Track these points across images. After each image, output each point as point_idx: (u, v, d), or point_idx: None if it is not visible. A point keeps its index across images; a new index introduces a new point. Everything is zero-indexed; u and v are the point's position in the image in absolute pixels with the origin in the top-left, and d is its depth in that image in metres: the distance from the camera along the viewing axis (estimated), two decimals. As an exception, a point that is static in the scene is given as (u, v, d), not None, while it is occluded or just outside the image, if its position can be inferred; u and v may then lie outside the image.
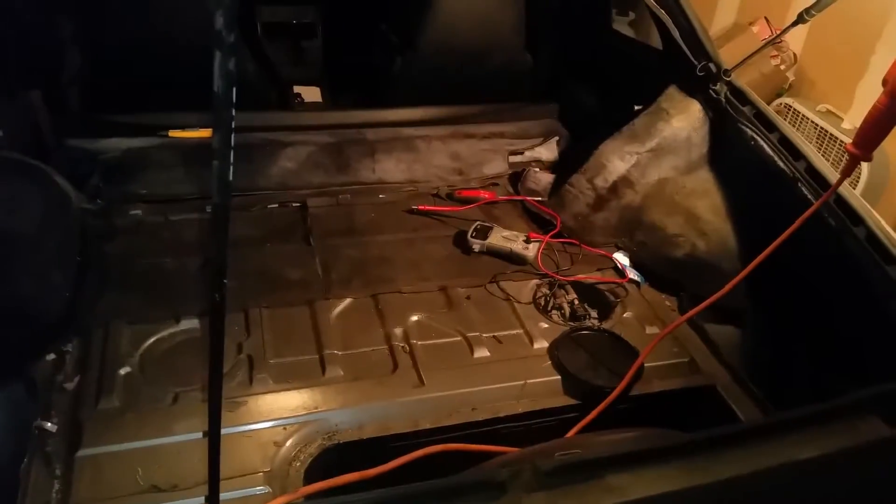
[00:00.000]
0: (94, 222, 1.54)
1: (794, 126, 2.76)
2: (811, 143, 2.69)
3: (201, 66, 1.76)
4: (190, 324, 1.33)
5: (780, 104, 2.84)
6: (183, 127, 1.79)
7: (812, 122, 2.73)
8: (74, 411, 1.15)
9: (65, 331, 1.28)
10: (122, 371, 1.22)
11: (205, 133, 1.79)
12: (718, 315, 1.46)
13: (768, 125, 1.43)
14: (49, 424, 1.12)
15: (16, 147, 1.53)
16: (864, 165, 2.41)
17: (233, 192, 1.69)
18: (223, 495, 1.04)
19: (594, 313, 1.49)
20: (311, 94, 2.18)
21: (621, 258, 1.60)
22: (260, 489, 1.06)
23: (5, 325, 1.19)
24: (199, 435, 1.12)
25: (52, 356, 1.25)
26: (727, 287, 1.31)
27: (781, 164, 1.39)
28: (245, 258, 1.50)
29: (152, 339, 1.29)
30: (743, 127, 1.47)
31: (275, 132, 1.82)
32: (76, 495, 1.01)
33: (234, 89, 0.54)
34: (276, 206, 1.68)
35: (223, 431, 1.13)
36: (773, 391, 1.32)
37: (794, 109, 2.80)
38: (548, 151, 1.91)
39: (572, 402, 1.28)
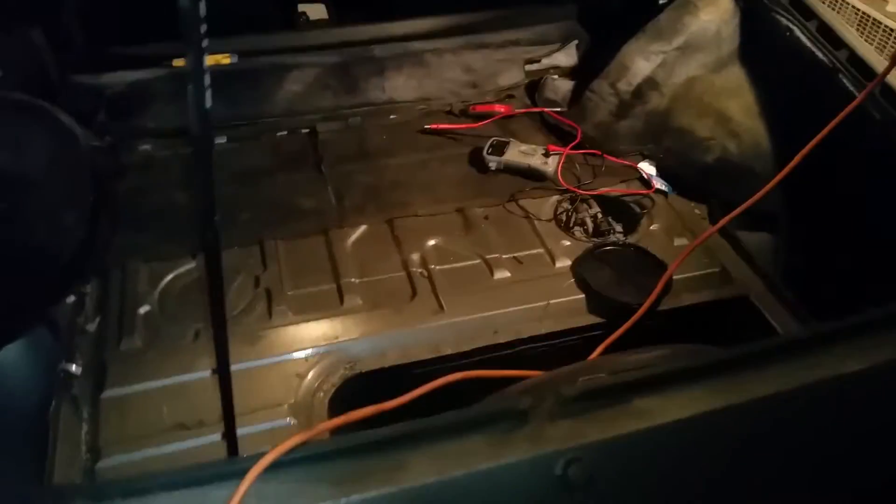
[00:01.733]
0: (103, 160, 1.51)
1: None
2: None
3: None
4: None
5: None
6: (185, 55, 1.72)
7: (852, 6, 2.54)
8: (97, 352, 1.15)
9: (82, 272, 1.27)
10: (142, 310, 1.21)
11: (208, 61, 1.72)
12: (750, 221, 1.38)
13: (805, 12, 1.32)
14: (74, 367, 1.12)
15: (18, 86, 1.49)
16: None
17: (240, 121, 1.64)
18: (249, 429, 1.04)
19: (619, 227, 1.43)
20: (316, 11, 2.07)
21: (647, 167, 1.52)
22: (285, 421, 1.06)
23: (21, 270, 1.18)
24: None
25: (72, 298, 1.24)
26: (762, 191, 1.24)
27: (820, 55, 1.28)
28: (257, 189, 1.47)
29: (170, 277, 1.28)
30: (777, 16, 1.36)
31: (280, 55, 1.74)
32: (104, 436, 1.02)
33: (201, 3, 0.49)
34: (285, 133, 1.62)
35: (245, 365, 1.14)
36: (810, 300, 1.26)
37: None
38: (566, 57, 1.80)
39: (598, 320, 1.24)
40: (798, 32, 1.32)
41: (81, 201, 1.33)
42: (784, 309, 1.27)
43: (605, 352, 1.14)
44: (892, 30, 1.49)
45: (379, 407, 1.02)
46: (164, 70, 1.68)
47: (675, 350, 0.99)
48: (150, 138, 1.58)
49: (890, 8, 2.43)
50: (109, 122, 1.58)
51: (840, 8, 2.55)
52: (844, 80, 1.23)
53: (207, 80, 0.51)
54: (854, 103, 1.11)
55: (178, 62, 1.72)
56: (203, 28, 0.49)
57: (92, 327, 1.19)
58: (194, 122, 0.52)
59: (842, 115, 1.11)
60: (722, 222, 1.27)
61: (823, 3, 2.12)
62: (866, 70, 1.22)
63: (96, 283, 1.26)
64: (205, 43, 0.49)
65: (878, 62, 1.21)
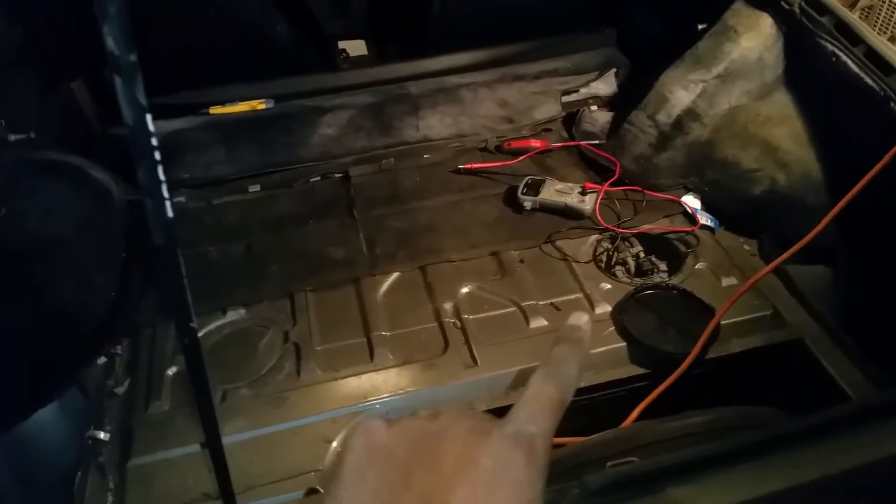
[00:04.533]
0: (139, 213, 1.51)
1: (890, 21, 2.44)
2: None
3: (237, 37, 1.68)
4: (236, 314, 1.30)
5: (875, -4, 2.51)
6: (223, 102, 1.74)
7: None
8: (126, 417, 1.14)
9: (113, 333, 1.28)
10: (171, 371, 1.20)
11: (244, 107, 1.74)
12: (804, 257, 1.29)
13: (852, 37, 1.23)
14: (102, 434, 1.12)
15: (56, 142, 1.52)
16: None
17: (273, 168, 1.64)
18: (274, 499, 1.02)
19: (663, 266, 1.36)
20: (356, 47, 2.07)
21: (691, 201, 1.45)
22: (312, 490, 1.03)
23: (51, 333, 1.19)
24: (247, 435, 1.10)
25: (102, 360, 1.25)
26: (819, 227, 1.16)
27: (870, 81, 1.19)
28: (288, 238, 1.45)
29: (200, 335, 1.26)
30: (822, 42, 1.27)
31: (314, 98, 1.74)
32: (129, 506, 1.01)
33: (148, 116, 0.46)
34: (318, 178, 1.61)
35: (271, 430, 1.11)
36: (870, 342, 1.17)
37: (890, 1, 2.46)
38: (605, 85, 1.74)
39: (641, 371, 1.18)
40: (844, 57, 1.23)
41: (113, 260, 1.34)
42: (842, 353, 1.17)
43: (646, 409, 1.08)
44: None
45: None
46: (200, 118, 1.70)
47: (720, 415, 0.92)
48: (184, 189, 1.58)
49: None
50: (145, 175, 1.59)
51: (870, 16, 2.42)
52: (897, 108, 1.15)
53: (165, 191, 0.48)
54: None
55: (216, 109, 1.74)
56: (153, 140, 0.46)
57: (121, 390, 1.19)
58: (156, 234, 0.50)
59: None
60: (774, 263, 1.20)
61: (879, 14, 2.00)
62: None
63: (127, 343, 1.26)
64: (157, 155, 0.47)
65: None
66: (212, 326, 1.28)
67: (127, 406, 1.16)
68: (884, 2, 2.55)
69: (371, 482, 0.36)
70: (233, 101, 1.73)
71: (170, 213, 0.51)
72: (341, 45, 2.01)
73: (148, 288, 1.36)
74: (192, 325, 0.62)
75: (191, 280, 1.46)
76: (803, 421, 0.74)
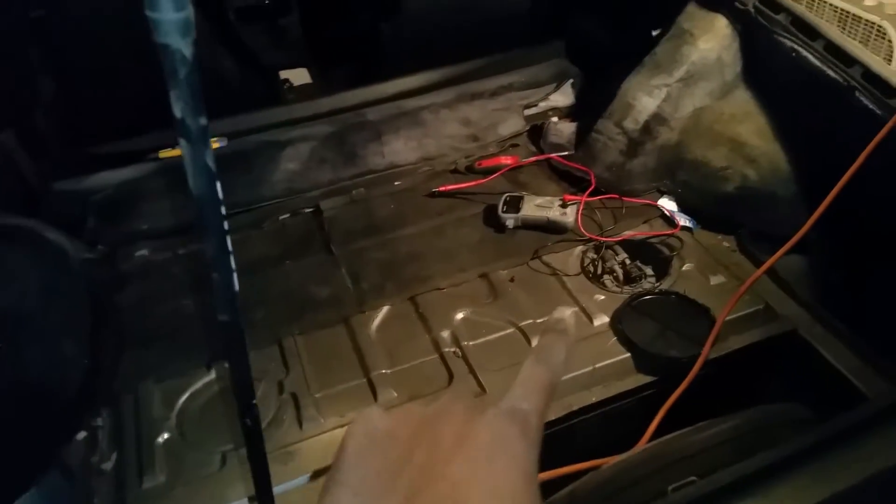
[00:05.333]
0: (98, 272, 1.42)
1: (836, 12, 2.55)
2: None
3: None
4: (222, 369, 1.22)
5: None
6: (173, 145, 1.66)
7: (829, 2, 2.52)
8: (118, 495, 1.06)
9: (91, 403, 1.18)
10: (161, 438, 1.12)
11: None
12: (779, 246, 1.33)
13: (810, 32, 1.27)
14: (92, 517, 1.04)
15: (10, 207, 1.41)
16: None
17: (238, 208, 1.56)
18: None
19: (649, 270, 1.37)
20: (299, 76, 2.03)
21: (667, 203, 1.47)
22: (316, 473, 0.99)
23: (23, 412, 1.09)
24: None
25: (82, 434, 1.15)
26: (805, 227, 1.19)
27: (832, 74, 1.24)
28: (267, 281, 1.39)
29: (186, 395, 1.19)
30: (779, 38, 1.31)
31: (270, 132, 1.69)
32: None
33: (218, 184, 0.42)
34: (288, 215, 1.55)
35: (282, 488, 1.05)
36: (855, 322, 1.20)
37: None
38: (563, 97, 1.75)
39: (649, 379, 1.17)
40: (804, 52, 1.27)
41: (80, 325, 1.25)
42: (835, 338, 1.20)
43: (661, 424, 1.08)
44: (872, 24, 1.44)
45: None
46: (150, 165, 1.62)
47: (747, 417, 0.92)
48: (145, 241, 1.49)
49: (868, 1, 2.42)
50: (100, 229, 1.50)
51: (816, 4, 2.54)
52: (862, 98, 1.18)
53: (233, 263, 0.44)
54: (888, 126, 1.06)
55: (165, 153, 1.66)
56: (223, 210, 0.42)
57: (108, 466, 1.10)
58: (222, 309, 0.45)
59: (880, 134, 1.06)
60: (767, 264, 1.22)
61: (823, 19, 2.08)
62: (884, 86, 1.17)
63: (108, 413, 1.17)
64: (226, 225, 0.43)
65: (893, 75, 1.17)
66: (198, 385, 1.20)
67: (118, 482, 1.08)
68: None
69: (373, 463, 0.37)
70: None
71: (236, 287, 0.47)
72: (283, 74, 1.96)
73: (122, 351, 1.27)
74: (253, 402, 0.57)
75: (168, 337, 1.38)
76: (842, 420, 0.75)
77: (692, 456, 0.86)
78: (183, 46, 0.37)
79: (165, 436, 1.13)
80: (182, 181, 1.32)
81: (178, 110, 0.39)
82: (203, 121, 0.41)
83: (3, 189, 1.51)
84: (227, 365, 0.53)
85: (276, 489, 1.05)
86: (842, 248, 1.32)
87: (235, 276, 0.47)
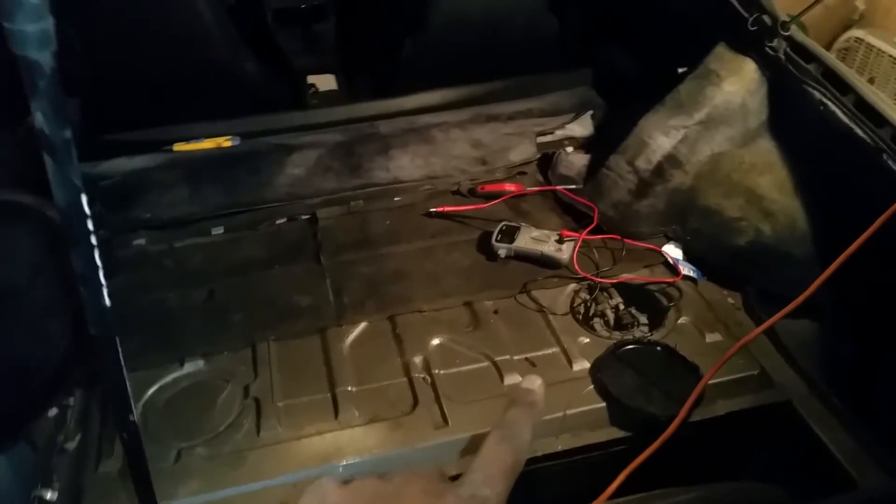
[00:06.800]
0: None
1: (867, 63, 2.45)
2: (890, 81, 2.38)
3: (205, 74, 1.61)
4: (194, 366, 1.22)
5: (850, 38, 2.52)
6: (188, 139, 1.67)
7: (890, 56, 2.41)
8: (75, 475, 1.06)
9: (66, 383, 1.19)
10: (122, 427, 1.12)
11: (209, 144, 1.67)
12: (790, 311, 1.25)
13: (841, 86, 1.20)
14: (49, 493, 1.03)
15: (8, 182, 1.43)
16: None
17: (239, 208, 1.56)
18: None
19: (643, 318, 1.30)
20: (325, 82, 2.02)
21: (672, 250, 1.40)
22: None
23: (1, 384, 1.10)
24: (202, 498, 1.02)
25: (54, 412, 1.16)
26: (812, 287, 1.10)
27: (860, 133, 1.16)
28: (252, 285, 1.38)
29: (154, 388, 1.18)
30: (809, 89, 1.24)
31: (283, 135, 1.68)
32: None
33: (84, 197, 0.40)
34: (285, 220, 1.54)
35: (228, 493, 1.03)
36: (858, 403, 1.12)
37: (867, 43, 2.47)
38: (581, 127, 1.70)
39: (621, 434, 1.11)
40: (833, 107, 1.19)
41: (67, 308, 1.26)
42: (831, 416, 1.12)
43: (627, 478, 1.01)
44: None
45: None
46: (163, 156, 1.63)
47: (713, 493, 0.86)
48: (144, 230, 1.50)
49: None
50: (104, 215, 1.51)
51: (876, 58, 2.43)
52: (889, 162, 1.11)
53: (102, 277, 0.42)
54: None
55: (180, 146, 1.67)
56: (90, 224, 0.40)
57: (72, 445, 1.10)
58: (92, 323, 0.43)
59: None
60: (765, 325, 1.13)
61: (856, 55, 1.98)
62: (914, 151, 1.09)
63: (80, 395, 1.17)
64: (94, 239, 0.40)
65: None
66: (168, 379, 1.20)
67: (77, 463, 1.08)
68: (860, 43, 2.57)
69: None
70: (198, 138, 1.67)
71: (107, 302, 0.45)
72: (310, 79, 1.96)
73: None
74: (131, 419, 0.55)
75: (148, 328, 1.38)
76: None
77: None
78: (41, 58, 0.35)
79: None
80: (190, 175, 1.33)
81: (38, 122, 0.37)
82: (67, 134, 0.38)
83: (20, 168, 1.54)
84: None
85: (222, 493, 1.04)
86: (856, 321, 1.24)
87: (105, 290, 0.44)
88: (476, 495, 0.37)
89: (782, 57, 1.31)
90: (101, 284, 0.43)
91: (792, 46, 1.29)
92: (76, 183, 0.39)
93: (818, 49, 1.26)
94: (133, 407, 0.54)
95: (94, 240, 0.42)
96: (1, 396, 1.08)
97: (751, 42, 1.35)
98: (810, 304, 1.24)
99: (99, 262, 0.43)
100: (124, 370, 0.51)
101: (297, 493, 1.01)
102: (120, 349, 0.47)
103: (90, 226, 0.41)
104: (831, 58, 1.24)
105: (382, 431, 1.10)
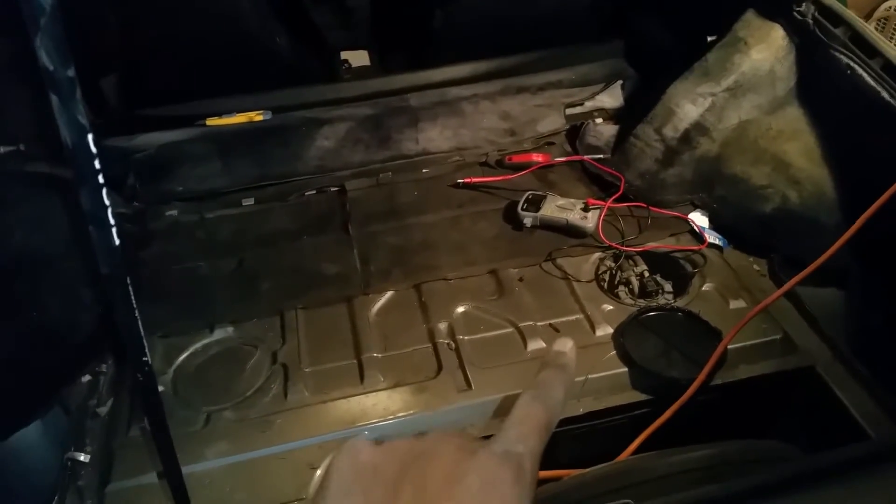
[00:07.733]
0: (129, 227, 1.48)
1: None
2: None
3: (237, 49, 1.62)
4: (223, 333, 1.26)
5: (891, 7, 2.44)
6: (220, 113, 1.71)
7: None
8: (107, 439, 1.10)
9: (99, 350, 1.24)
10: (156, 391, 1.16)
11: (241, 118, 1.70)
12: (816, 278, 1.23)
13: (868, 50, 1.17)
14: (82, 456, 1.08)
15: (47, 155, 1.49)
16: None
17: (270, 181, 1.59)
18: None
19: (668, 286, 1.31)
20: (358, 58, 2.03)
21: (699, 219, 1.39)
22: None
23: (36, 350, 1.16)
24: (230, 460, 1.05)
25: (87, 378, 1.21)
26: (833, 248, 1.09)
27: (886, 96, 1.14)
28: (281, 255, 1.41)
29: (186, 354, 1.23)
30: (836, 53, 1.22)
31: (313, 109, 1.70)
32: (106, 534, 0.97)
33: (90, 136, 0.42)
34: (314, 192, 1.57)
35: (255, 454, 1.07)
36: (884, 370, 1.11)
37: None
38: (611, 98, 1.69)
39: (643, 397, 1.12)
40: (860, 71, 1.17)
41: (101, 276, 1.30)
42: (856, 383, 1.11)
43: (648, 438, 1.02)
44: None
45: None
46: (196, 130, 1.66)
47: (724, 449, 0.86)
48: (177, 202, 1.55)
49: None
50: (138, 187, 1.56)
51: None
52: (919, 125, 1.09)
53: (111, 216, 0.44)
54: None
55: (213, 121, 1.70)
56: (96, 163, 0.42)
57: (104, 410, 1.15)
58: (103, 262, 0.45)
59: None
60: (786, 287, 1.13)
61: (890, 40, 1.94)
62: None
63: (112, 361, 1.22)
64: (100, 179, 0.42)
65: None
66: (199, 345, 1.24)
67: (109, 427, 1.12)
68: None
69: (356, 501, 0.36)
70: (230, 112, 1.70)
71: (116, 241, 0.47)
72: (343, 55, 1.97)
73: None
74: (145, 359, 0.58)
75: (179, 296, 1.42)
76: (817, 460, 0.69)
77: (651, 480, 0.82)
78: (41, -6, 0.37)
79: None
80: (222, 148, 1.36)
81: (42, 59, 0.39)
82: (70, 71, 0.40)
83: (55, 146, 1.59)
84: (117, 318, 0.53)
85: (250, 455, 1.07)
86: (886, 289, 1.22)
87: (114, 230, 0.46)
88: (510, 451, 0.37)
89: (810, 21, 1.29)
90: (109, 224, 0.45)
91: (820, 10, 1.27)
92: (81, 121, 0.41)
93: (846, 12, 1.24)
94: (146, 347, 0.56)
95: (100, 179, 0.44)
96: (36, 362, 1.14)
97: (779, 6, 1.33)
98: (837, 272, 1.24)
99: (107, 202, 0.45)
100: (135, 310, 0.53)
101: (322, 456, 1.06)
102: (131, 289, 0.49)
103: (97, 165, 0.43)
104: (859, 21, 1.22)
105: (407, 395, 1.13)
